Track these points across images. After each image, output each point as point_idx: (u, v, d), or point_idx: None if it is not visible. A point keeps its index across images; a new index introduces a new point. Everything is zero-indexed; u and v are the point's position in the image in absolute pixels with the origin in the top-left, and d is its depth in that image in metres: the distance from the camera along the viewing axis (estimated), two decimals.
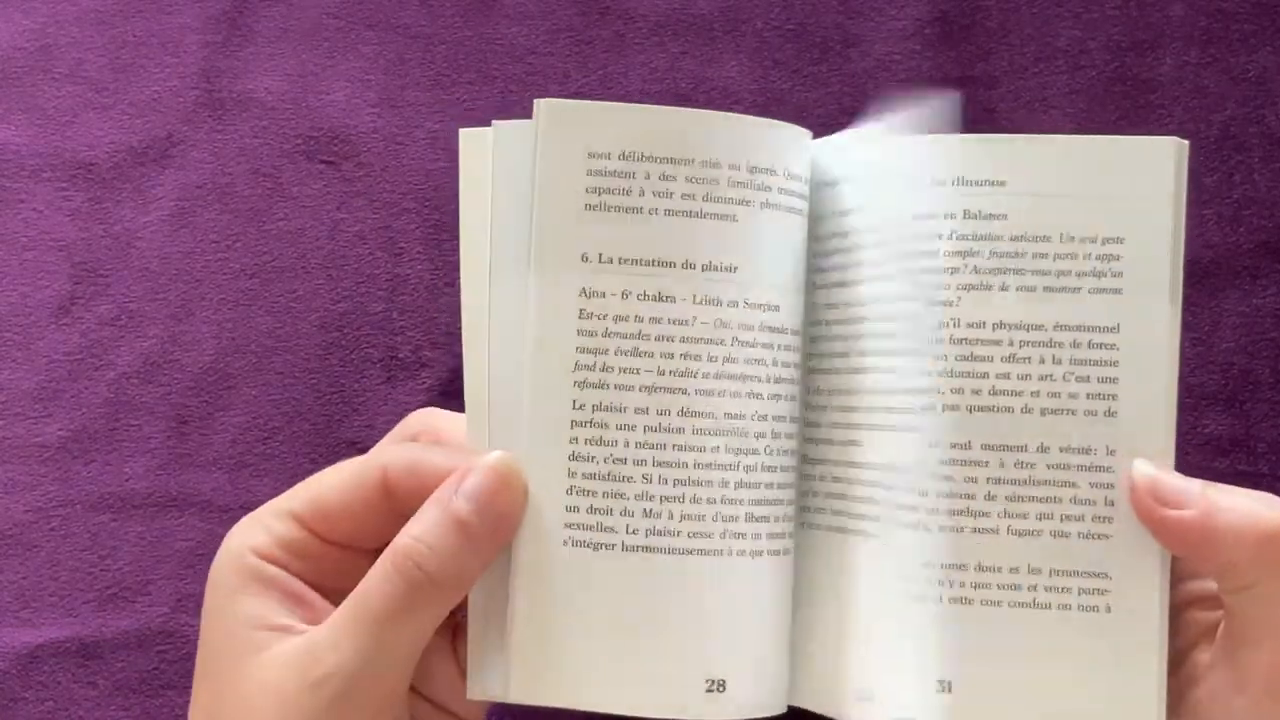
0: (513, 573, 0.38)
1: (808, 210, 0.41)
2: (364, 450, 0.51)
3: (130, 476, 0.51)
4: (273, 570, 0.39)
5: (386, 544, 0.38)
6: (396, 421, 0.51)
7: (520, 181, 0.38)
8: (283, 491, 0.50)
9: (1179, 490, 0.37)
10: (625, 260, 0.38)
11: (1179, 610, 0.39)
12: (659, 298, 0.38)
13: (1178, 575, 0.39)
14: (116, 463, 0.51)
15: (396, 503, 0.39)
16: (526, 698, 0.38)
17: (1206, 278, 0.51)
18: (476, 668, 0.39)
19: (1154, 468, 0.38)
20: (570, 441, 0.38)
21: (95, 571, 0.50)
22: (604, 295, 0.38)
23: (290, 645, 0.37)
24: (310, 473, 0.51)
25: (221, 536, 0.50)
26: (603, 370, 0.38)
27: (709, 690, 0.38)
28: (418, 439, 0.42)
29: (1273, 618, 0.37)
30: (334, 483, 0.40)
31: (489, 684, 0.38)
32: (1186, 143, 0.39)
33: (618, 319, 0.38)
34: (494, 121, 0.39)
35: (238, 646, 0.38)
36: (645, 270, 0.38)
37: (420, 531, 0.37)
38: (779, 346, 0.39)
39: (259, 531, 0.39)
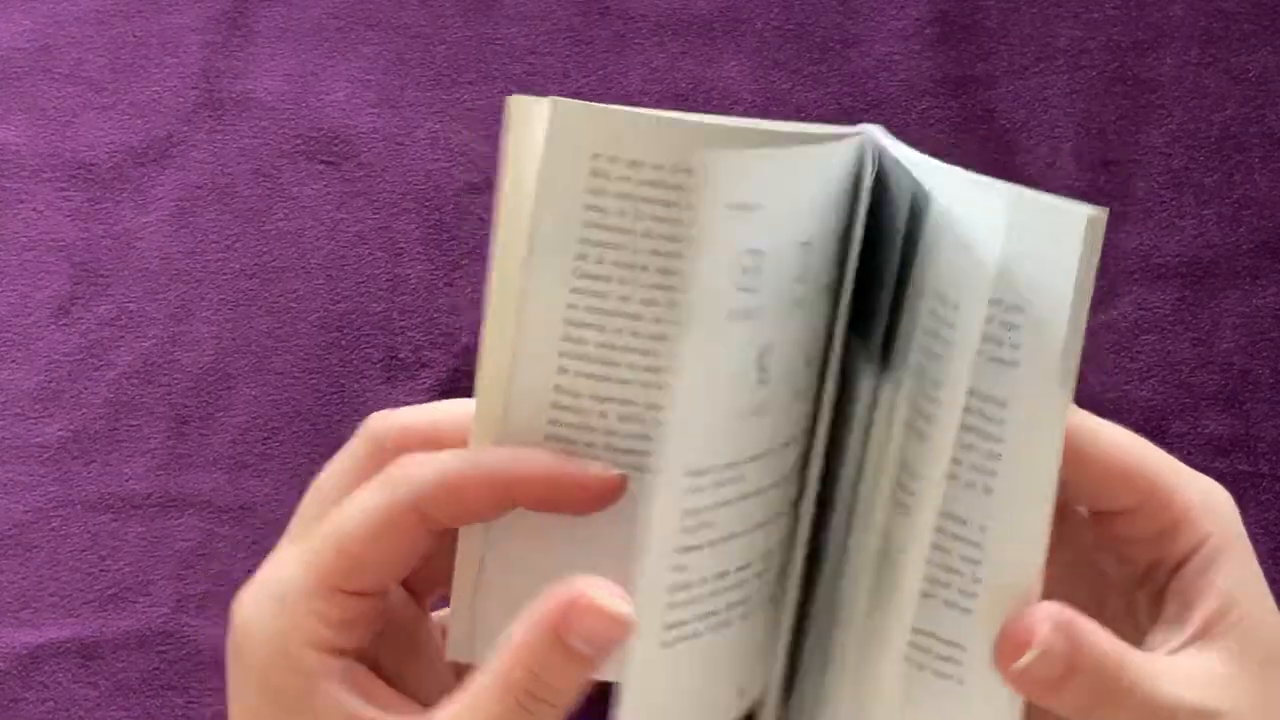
0: (486, 541, 0.38)
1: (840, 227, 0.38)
2: None
3: (130, 476, 0.51)
4: (339, 665, 0.36)
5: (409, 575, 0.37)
6: None
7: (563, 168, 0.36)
8: (282, 491, 0.50)
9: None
10: (620, 265, 0.36)
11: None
12: (650, 303, 0.36)
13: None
14: (116, 463, 0.51)
15: (433, 534, 0.37)
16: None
17: (1206, 278, 0.51)
18: (454, 630, 0.39)
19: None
20: (545, 439, 0.37)
21: (95, 571, 0.50)
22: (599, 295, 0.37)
23: None
24: (309, 473, 0.51)
25: (222, 536, 0.50)
26: (583, 360, 0.37)
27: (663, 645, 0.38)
28: (393, 443, 0.39)
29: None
30: (360, 533, 0.36)
31: (459, 646, 0.39)
32: (1103, 215, 0.33)
33: (616, 313, 0.37)
34: (555, 98, 0.36)
35: None
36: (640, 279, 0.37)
37: (541, 669, 0.35)
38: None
39: (305, 619, 0.36)
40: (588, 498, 0.37)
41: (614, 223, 0.35)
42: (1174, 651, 0.37)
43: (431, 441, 0.38)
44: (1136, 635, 0.39)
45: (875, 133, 0.37)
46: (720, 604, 0.37)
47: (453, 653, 0.39)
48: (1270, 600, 0.38)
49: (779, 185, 0.34)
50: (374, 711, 0.36)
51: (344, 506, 0.37)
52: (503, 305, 0.37)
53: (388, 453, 0.38)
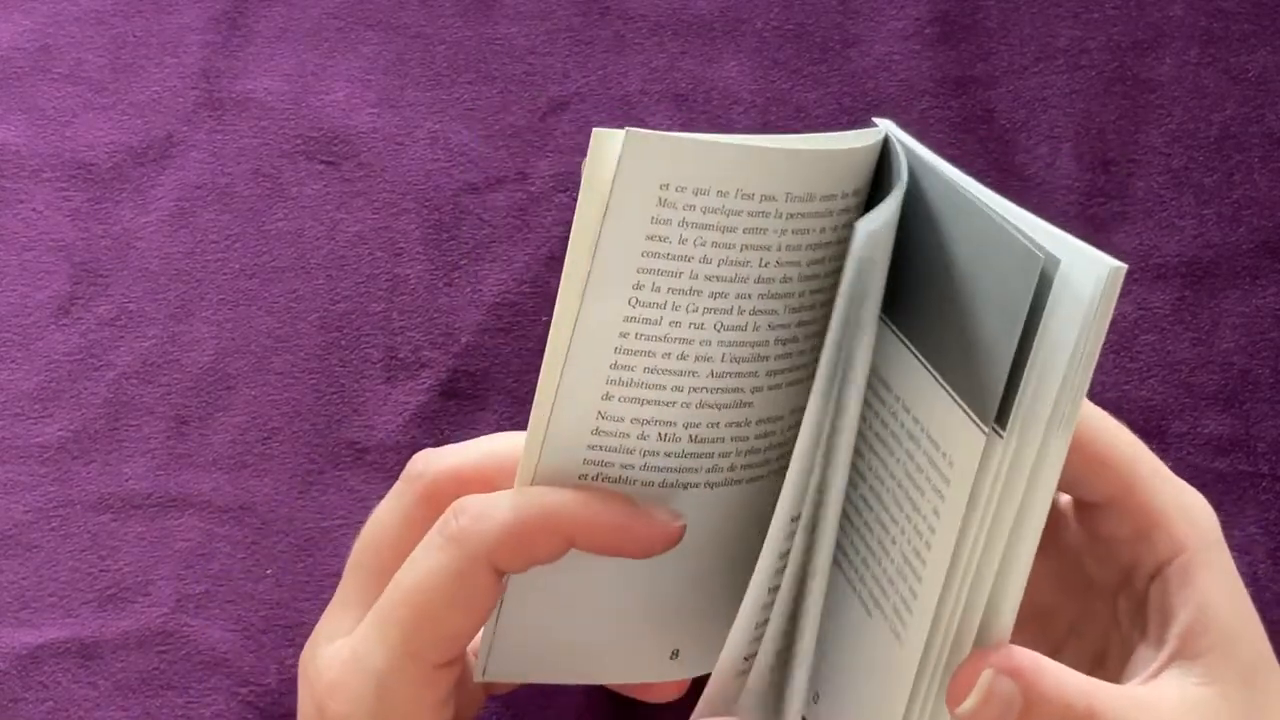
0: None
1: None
2: (364, 451, 0.51)
3: (130, 476, 0.51)
4: None
5: None
6: (397, 421, 0.51)
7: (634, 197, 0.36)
8: (282, 491, 0.50)
9: None
10: (675, 291, 0.36)
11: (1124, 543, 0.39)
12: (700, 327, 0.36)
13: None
14: (116, 463, 0.51)
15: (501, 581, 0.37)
16: (504, 675, 0.39)
17: (1206, 278, 0.51)
18: (481, 653, 0.40)
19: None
20: (584, 463, 0.37)
21: (95, 571, 0.50)
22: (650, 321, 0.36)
23: None
24: (310, 474, 0.51)
25: (222, 536, 0.50)
26: (629, 386, 0.37)
27: (672, 658, 0.40)
28: (445, 487, 0.38)
29: None
30: (442, 601, 0.36)
31: (483, 666, 0.39)
32: (1120, 272, 0.32)
33: (665, 338, 0.36)
34: (628, 129, 0.36)
35: None
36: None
37: None
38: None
39: (412, 708, 0.36)
40: (651, 544, 0.36)
41: (674, 250, 0.35)
42: (1154, 674, 0.37)
43: (481, 481, 0.37)
44: (1123, 647, 0.39)
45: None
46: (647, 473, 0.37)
47: (479, 675, 0.39)
48: (1251, 614, 0.37)
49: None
50: None
51: (414, 569, 0.36)
52: (560, 335, 0.36)
53: (440, 497, 0.37)
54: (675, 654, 0.40)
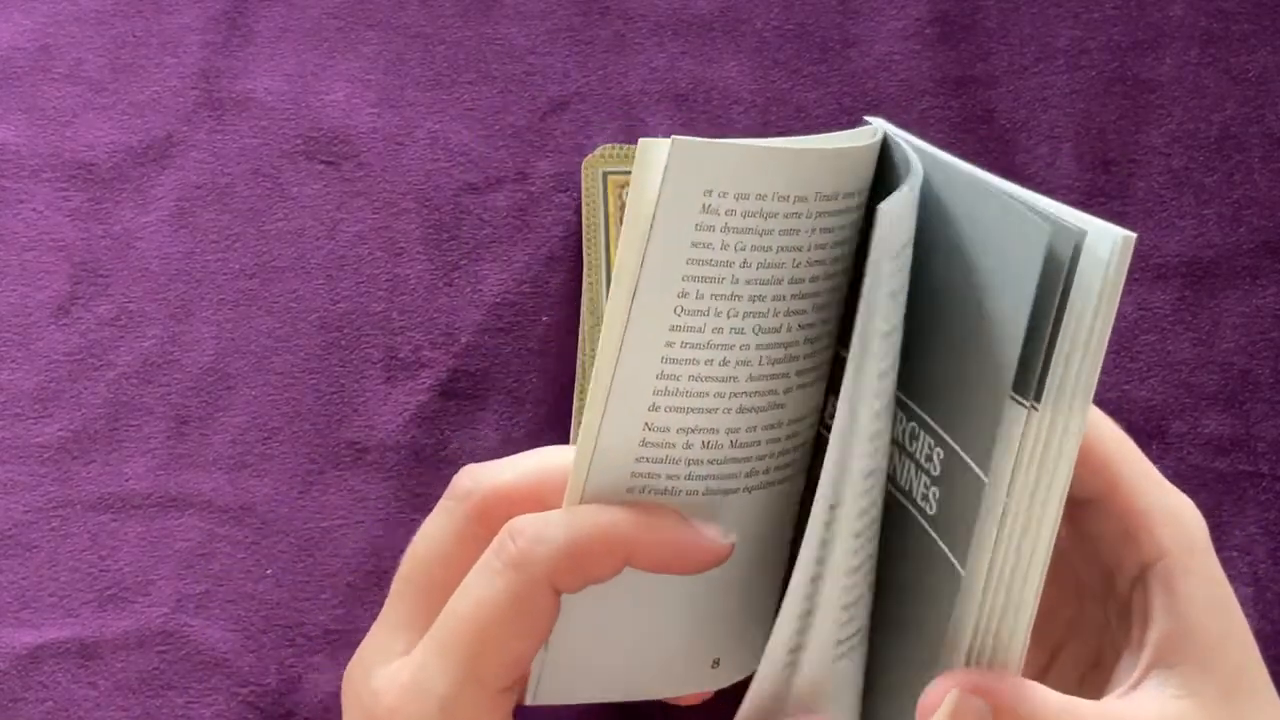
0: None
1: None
2: (364, 450, 0.51)
3: (130, 476, 0.51)
4: None
5: None
6: (397, 421, 0.51)
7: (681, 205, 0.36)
8: (282, 491, 0.50)
9: None
10: (718, 297, 0.36)
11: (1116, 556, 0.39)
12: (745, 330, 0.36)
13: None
14: (116, 463, 0.51)
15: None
16: (554, 698, 0.39)
17: (1206, 278, 0.51)
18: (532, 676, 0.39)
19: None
20: (632, 475, 0.37)
21: (95, 571, 0.50)
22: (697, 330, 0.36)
23: None
24: (310, 474, 0.51)
25: (222, 536, 0.50)
26: (675, 395, 0.36)
27: (713, 667, 0.40)
28: (495, 505, 0.38)
29: None
30: (503, 625, 0.35)
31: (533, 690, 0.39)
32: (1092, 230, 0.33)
33: (708, 345, 0.36)
34: (674, 136, 0.36)
35: None
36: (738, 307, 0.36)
37: None
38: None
39: None
40: (703, 561, 0.37)
41: (717, 256, 0.35)
42: (1134, 684, 0.36)
43: (530, 498, 0.37)
44: (1113, 651, 0.39)
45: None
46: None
47: (530, 699, 0.39)
48: (1235, 623, 0.37)
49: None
50: None
51: (473, 594, 0.36)
52: (609, 348, 0.36)
53: (490, 515, 0.37)
54: (716, 663, 0.40)
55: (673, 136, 0.34)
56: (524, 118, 0.53)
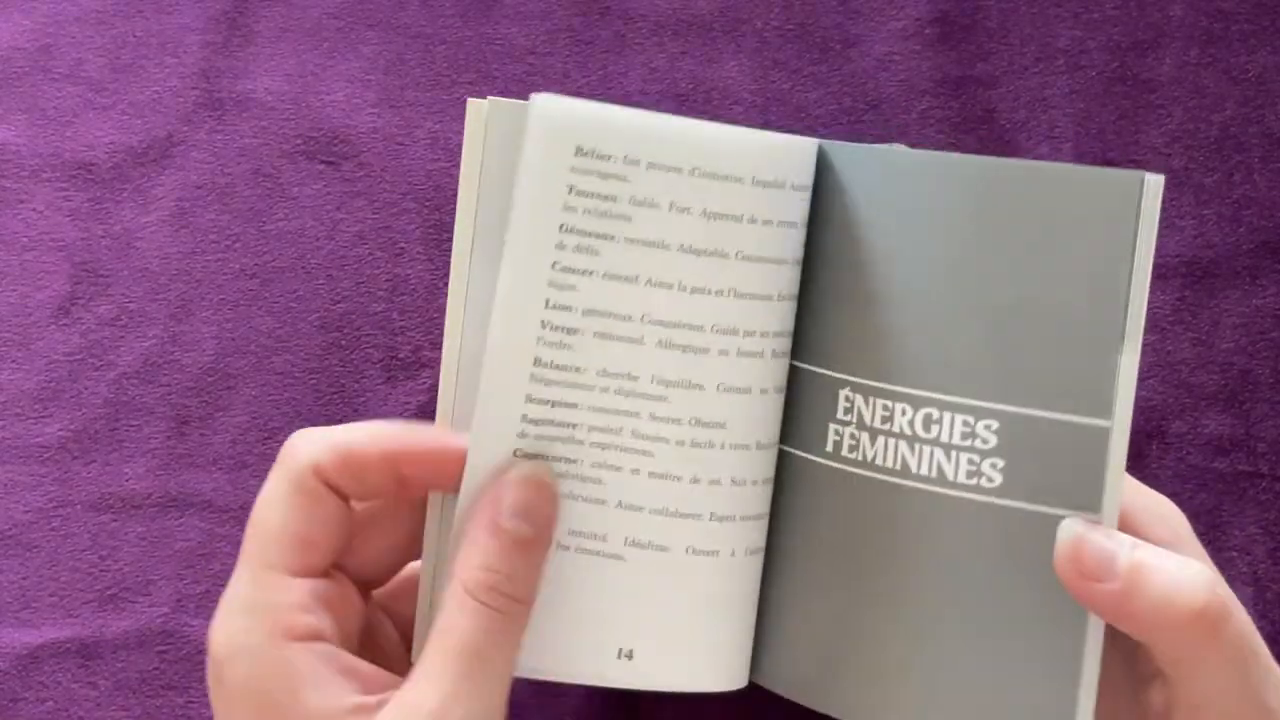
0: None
1: (804, 220, 0.41)
2: None
3: (130, 476, 0.51)
4: (316, 650, 0.37)
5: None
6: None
7: (508, 165, 0.39)
8: None
9: (1100, 562, 0.36)
10: (594, 265, 0.39)
11: (1148, 679, 0.39)
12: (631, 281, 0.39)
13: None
14: (116, 463, 0.51)
15: (346, 505, 0.39)
16: None
17: (1206, 278, 0.51)
18: (418, 634, 0.41)
19: (1082, 526, 0.37)
20: (519, 437, 0.39)
21: (95, 571, 0.50)
22: (575, 289, 0.39)
23: (386, 717, 0.36)
24: None
25: (223, 536, 0.50)
26: (557, 368, 0.39)
27: (619, 658, 0.40)
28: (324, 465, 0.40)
29: (1204, 693, 0.36)
30: (278, 513, 0.38)
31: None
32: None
33: (585, 312, 0.39)
34: (490, 98, 0.40)
35: None
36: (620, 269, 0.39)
37: (488, 561, 0.38)
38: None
39: (268, 614, 0.37)
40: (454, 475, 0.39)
41: (580, 224, 0.38)
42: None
43: (359, 461, 0.39)
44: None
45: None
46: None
47: (417, 655, 0.40)
48: (1236, 608, 0.37)
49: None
50: (356, 697, 0.37)
51: (258, 505, 0.39)
52: (455, 294, 0.40)
53: (320, 471, 0.39)
54: (628, 654, 0.40)
55: (534, 94, 0.38)
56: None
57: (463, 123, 0.41)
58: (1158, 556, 0.36)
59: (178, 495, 0.51)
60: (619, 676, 0.40)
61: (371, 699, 0.37)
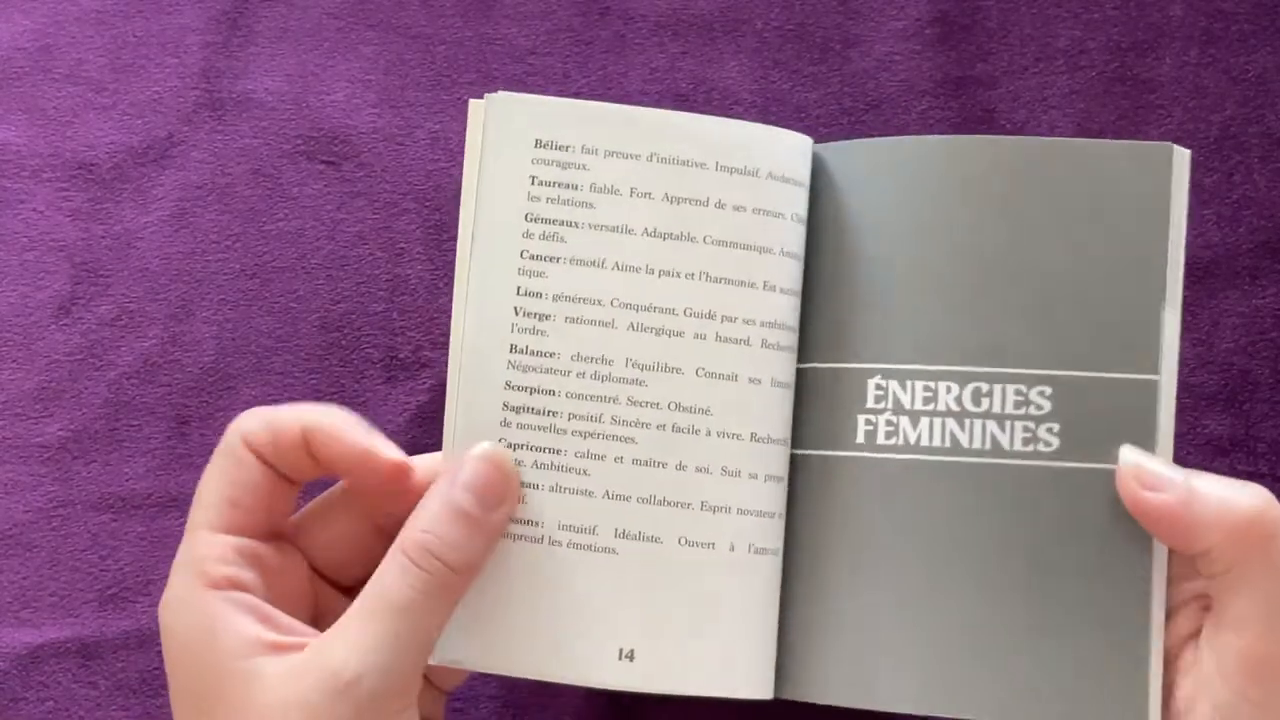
0: None
1: (795, 214, 0.41)
2: None
3: (130, 476, 0.51)
4: (235, 599, 0.39)
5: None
6: (397, 421, 0.51)
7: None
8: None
9: (1161, 476, 0.39)
10: (561, 252, 0.41)
11: (1174, 609, 0.40)
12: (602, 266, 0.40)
13: (1173, 576, 0.39)
14: (116, 463, 0.51)
15: (273, 472, 0.41)
16: (457, 662, 0.41)
17: (1206, 278, 0.51)
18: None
19: (1139, 454, 0.39)
20: (502, 425, 0.40)
21: (95, 571, 0.50)
22: (544, 276, 0.40)
23: (298, 659, 0.37)
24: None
25: None
26: (533, 354, 0.40)
27: (620, 659, 0.40)
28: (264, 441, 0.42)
29: (1251, 602, 0.38)
30: (209, 481, 0.41)
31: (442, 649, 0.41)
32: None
33: (556, 298, 0.40)
34: (487, 95, 0.41)
35: (235, 677, 0.37)
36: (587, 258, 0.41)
37: (428, 524, 0.39)
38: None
39: (192, 567, 0.39)
40: (372, 469, 0.40)
41: (545, 212, 0.40)
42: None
43: (275, 430, 0.41)
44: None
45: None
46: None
47: (433, 657, 0.40)
48: None
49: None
50: (272, 635, 0.38)
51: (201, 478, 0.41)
52: (458, 289, 0.41)
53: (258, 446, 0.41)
54: (629, 655, 0.40)
55: (488, 95, 0.40)
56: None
57: (463, 123, 0.41)
58: (1211, 477, 0.39)
59: (178, 495, 0.51)
60: (621, 678, 0.40)
61: (286, 639, 0.38)
